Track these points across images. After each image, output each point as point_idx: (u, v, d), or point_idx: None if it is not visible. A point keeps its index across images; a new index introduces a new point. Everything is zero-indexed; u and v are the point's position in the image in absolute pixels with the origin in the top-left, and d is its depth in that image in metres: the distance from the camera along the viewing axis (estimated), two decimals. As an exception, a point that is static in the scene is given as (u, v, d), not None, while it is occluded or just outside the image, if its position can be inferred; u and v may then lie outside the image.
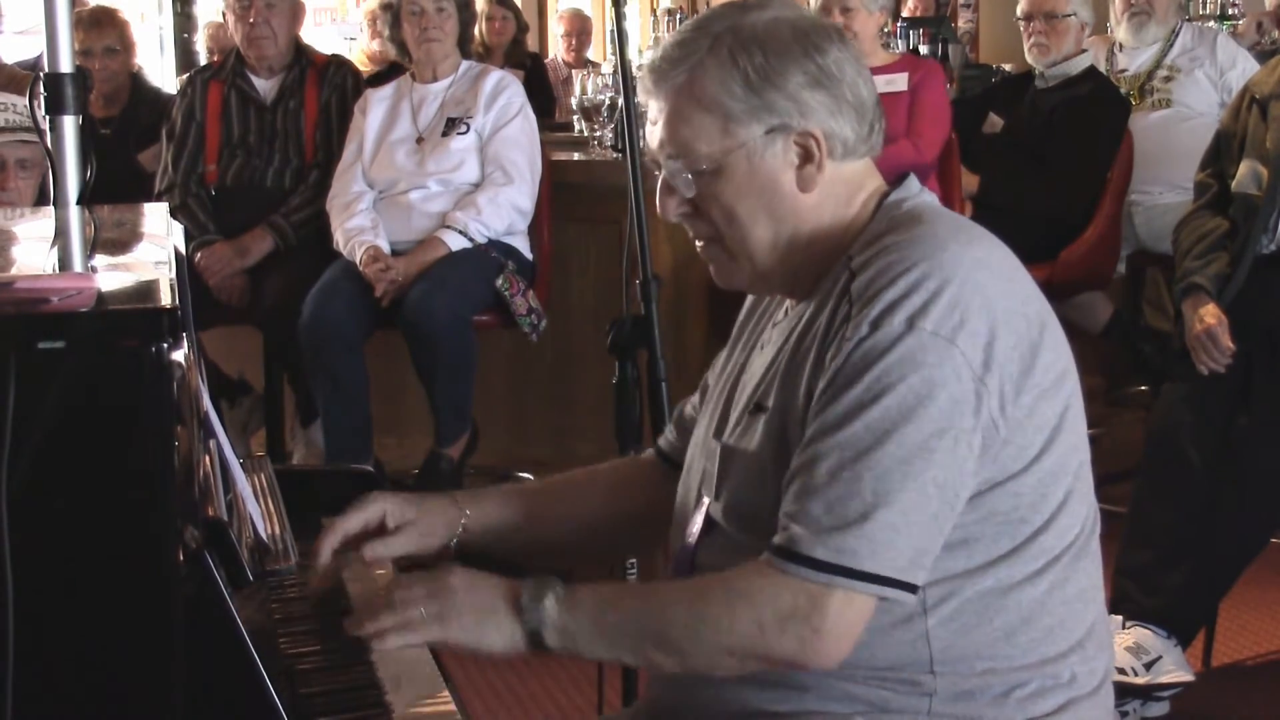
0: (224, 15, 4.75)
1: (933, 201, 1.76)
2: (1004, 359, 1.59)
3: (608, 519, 2.04)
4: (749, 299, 1.95)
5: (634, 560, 2.83)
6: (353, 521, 1.95)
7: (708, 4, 8.49)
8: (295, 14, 4.67)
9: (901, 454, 1.54)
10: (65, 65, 2.12)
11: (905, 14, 7.46)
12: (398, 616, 1.61)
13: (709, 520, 1.77)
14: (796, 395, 1.65)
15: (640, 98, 1.76)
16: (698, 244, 1.78)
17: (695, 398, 2.00)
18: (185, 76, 5.07)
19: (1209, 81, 5.07)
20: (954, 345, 1.56)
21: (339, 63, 4.74)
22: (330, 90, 4.60)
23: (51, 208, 2.14)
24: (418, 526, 1.94)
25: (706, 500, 1.78)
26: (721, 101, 1.68)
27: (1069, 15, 4.84)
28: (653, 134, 1.74)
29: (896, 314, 1.57)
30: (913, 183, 1.77)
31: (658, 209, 1.76)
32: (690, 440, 1.92)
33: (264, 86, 4.61)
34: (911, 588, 1.57)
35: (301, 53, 4.66)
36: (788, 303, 1.81)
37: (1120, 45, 5.26)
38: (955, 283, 1.58)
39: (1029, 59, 4.96)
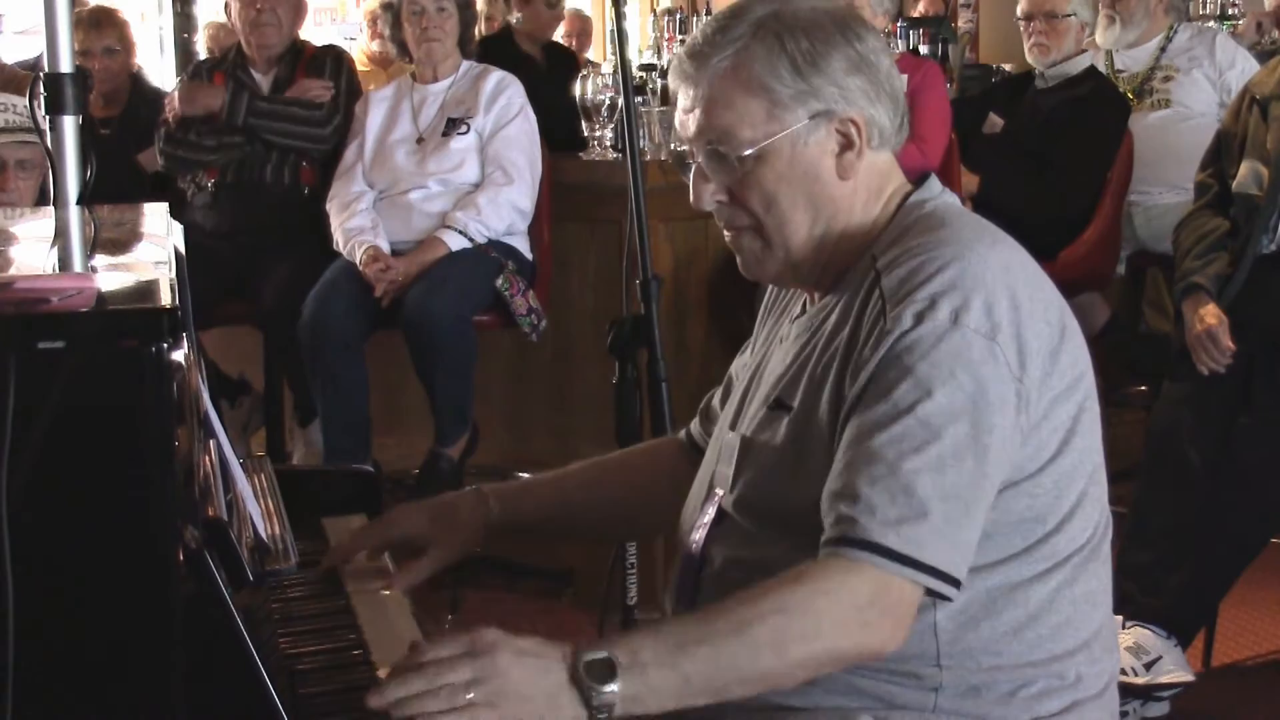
0: (226, 7, 4.76)
1: (954, 203, 1.77)
2: (1032, 362, 1.60)
3: (639, 503, 2.05)
4: (767, 294, 1.95)
5: (634, 550, 2.83)
6: (373, 539, 1.95)
7: (708, 4, 8.49)
8: (299, 8, 4.70)
9: (958, 449, 1.55)
10: (65, 65, 2.11)
11: (915, 15, 7.47)
12: (443, 703, 1.44)
13: (720, 511, 1.77)
14: (822, 394, 1.65)
15: (674, 84, 1.75)
16: (727, 234, 1.78)
17: (719, 391, 2.00)
18: (191, 66, 5.10)
19: (1208, 81, 5.07)
20: (995, 343, 1.57)
21: (333, 53, 4.76)
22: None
23: (51, 208, 2.14)
24: (442, 543, 1.95)
25: (719, 492, 1.78)
26: (768, 85, 1.68)
27: (1069, 15, 4.84)
28: (687, 121, 1.73)
29: (940, 308, 1.57)
30: (934, 183, 1.77)
31: (690, 197, 1.76)
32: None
33: (262, 81, 4.62)
34: (957, 583, 1.57)
35: (295, 45, 4.68)
36: (805, 298, 1.81)
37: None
38: (986, 285, 1.59)
39: (1029, 59, 4.96)
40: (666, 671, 1.49)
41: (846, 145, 1.71)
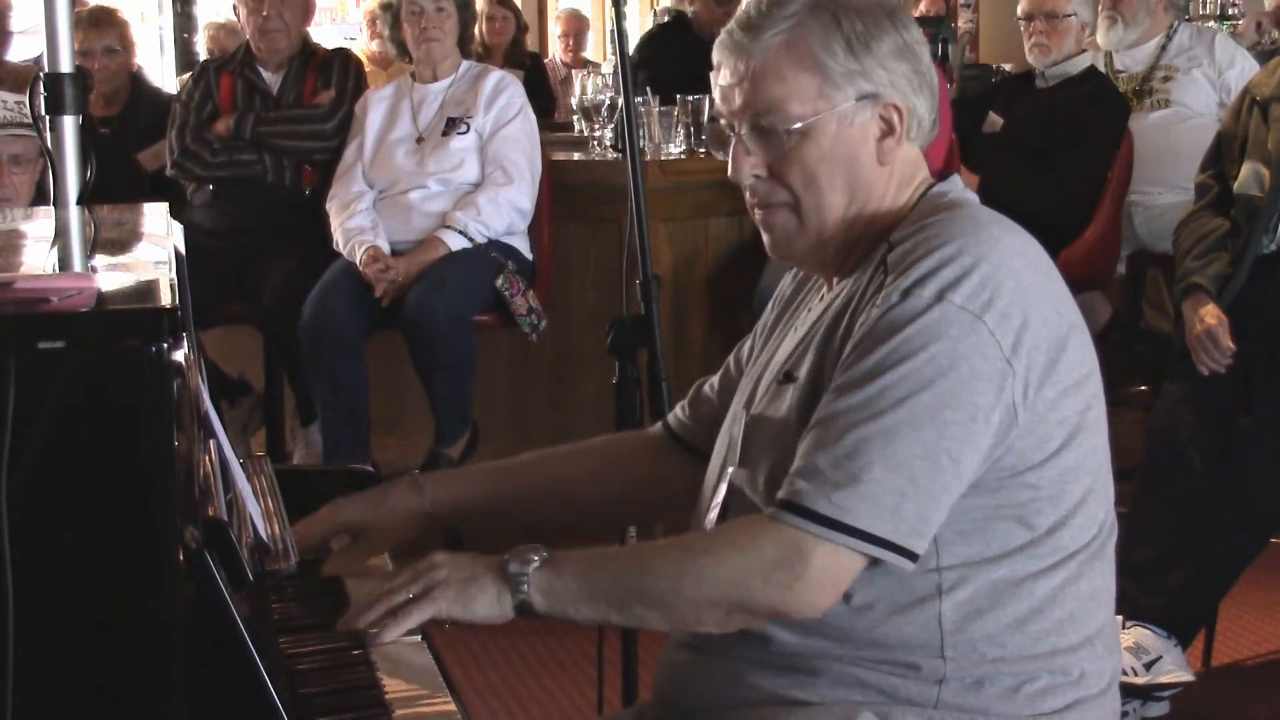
0: (235, 8, 4.78)
1: (973, 198, 1.79)
2: (1033, 346, 1.61)
3: (597, 492, 2.04)
4: (781, 284, 1.95)
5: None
6: (315, 529, 1.94)
7: (708, 4, 8.48)
8: (306, 9, 4.73)
9: (914, 420, 1.56)
10: (65, 65, 2.12)
11: (916, 15, 7.48)
12: (387, 605, 1.62)
13: (732, 489, 1.78)
14: (825, 364, 1.67)
15: (720, 56, 1.75)
16: (757, 212, 1.78)
17: (715, 378, 2.00)
18: (199, 65, 5.12)
19: (1207, 81, 5.07)
20: (981, 322, 1.58)
21: (341, 55, 4.77)
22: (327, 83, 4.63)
23: (51, 208, 2.14)
24: (376, 529, 1.96)
25: (730, 469, 1.79)
26: (822, 61, 1.69)
27: (1070, 15, 4.83)
28: (733, 94, 1.73)
29: (928, 285, 1.59)
30: (957, 180, 1.80)
31: (729, 170, 1.76)
32: (712, 423, 1.92)
33: (271, 80, 4.63)
34: (909, 554, 1.58)
35: (306, 46, 4.70)
36: (824, 289, 1.82)
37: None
38: (990, 263, 1.60)
39: (1029, 59, 4.96)
40: (579, 573, 1.62)
41: (888, 131, 1.73)
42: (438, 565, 1.65)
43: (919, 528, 1.58)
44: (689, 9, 6.28)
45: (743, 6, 1.82)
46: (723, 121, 1.78)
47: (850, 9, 1.70)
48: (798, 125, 1.70)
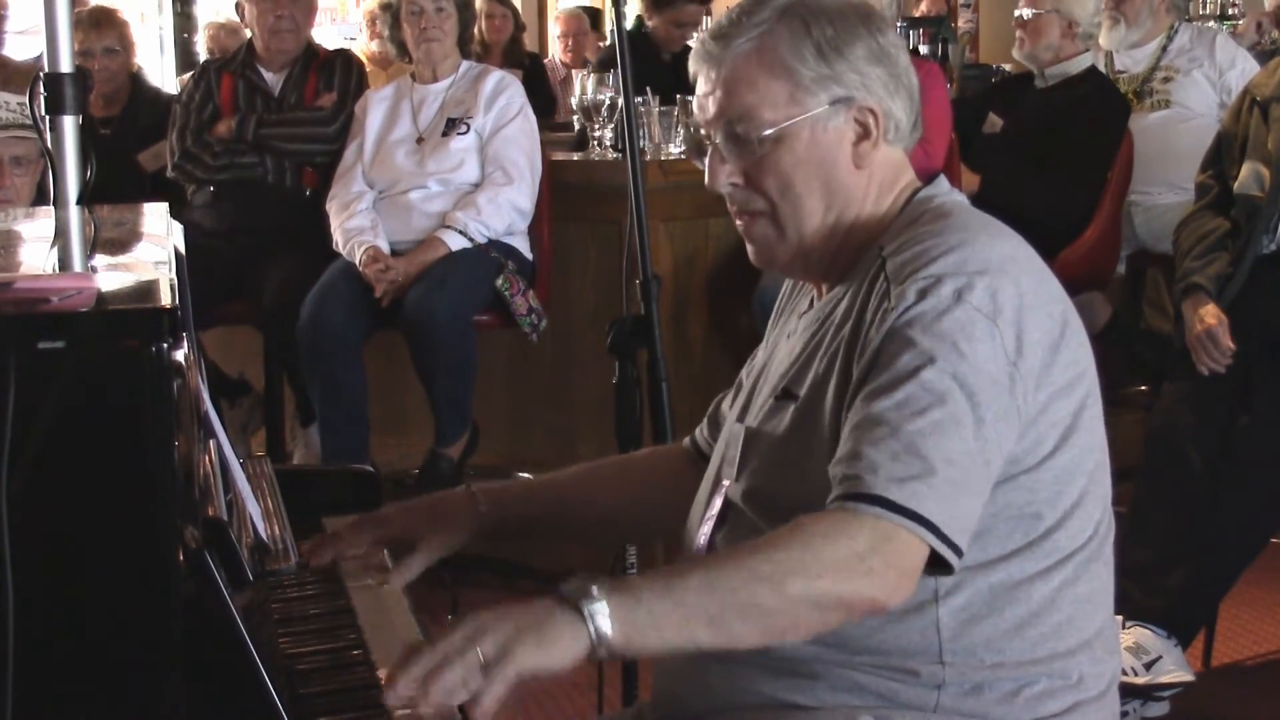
0: (239, 7, 4.78)
1: (962, 200, 1.78)
2: (1030, 353, 1.61)
3: (637, 507, 2.05)
4: (779, 297, 1.95)
5: (634, 550, 2.83)
6: (360, 541, 1.94)
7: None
8: (310, 9, 4.76)
9: (958, 417, 1.54)
10: (65, 65, 2.12)
11: (916, 15, 7.48)
12: (462, 670, 1.40)
13: (727, 502, 1.77)
14: (829, 383, 1.66)
15: (695, 67, 1.76)
16: (739, 221, 1.78)
17: (730, 394, 2.00)
18: (200, 65, 5.13)
19: (1208, 82, 5.08)
20: (995, 326, 1.58)
21: (343, 56, 4.78)
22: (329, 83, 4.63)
23: (51, 208, 2.14)
24: (432, 539, 1.94)
25: (726, 483, 1.78)
26: (792, 68, 1.69)
27: (1048, 12, 4.81)
28: (707, 103, 1.74)
29: (944, 285, 1.59)
30: (943, 182, 1.79)
31: (706, 179, 1.76)
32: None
33: (272, 80, 4.64)
34: (959, 551, 1.55)
35: (309, 47, 4.71)
36: (813, 295, 1.82)
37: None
38: (990, 270, 1.60)
39: (1013, 53, 4.98)
40: (662, 598, 1.46)
41: (863, 135, 1.72)
42: (493, 622, 1.43)
43: (966, 525, 1.56)
44: (649, 23, 6.27)
45: (716, 16, 1.82)
46: (700, 131, 1.78)
47: (821, 15, 1.71)
48: (770, 132, 1.70)
